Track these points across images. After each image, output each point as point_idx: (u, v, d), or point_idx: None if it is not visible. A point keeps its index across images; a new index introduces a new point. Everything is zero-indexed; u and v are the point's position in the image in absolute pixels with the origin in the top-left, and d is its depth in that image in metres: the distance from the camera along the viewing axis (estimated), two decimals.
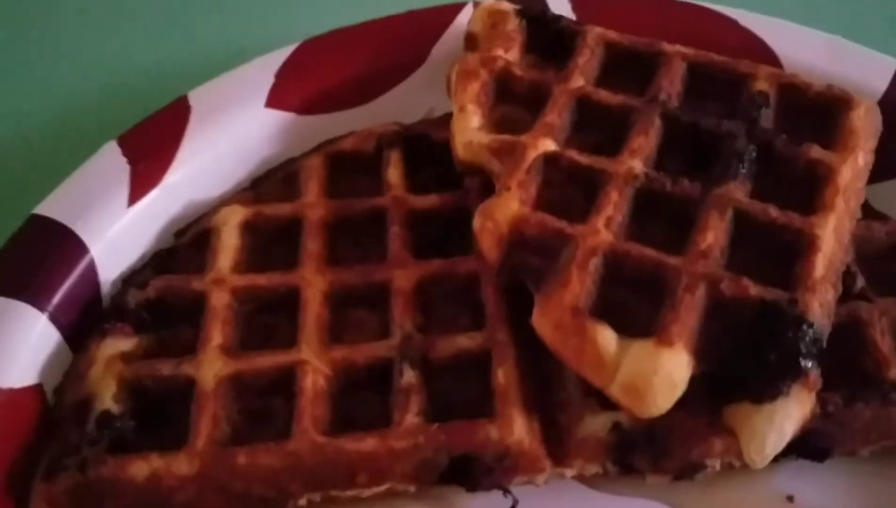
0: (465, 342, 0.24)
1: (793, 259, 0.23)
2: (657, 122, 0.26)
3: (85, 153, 0.29)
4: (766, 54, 0.29)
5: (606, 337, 0.22)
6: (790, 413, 0.21)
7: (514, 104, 0.27)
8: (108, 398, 0.23)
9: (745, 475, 0.23)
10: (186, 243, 0.28)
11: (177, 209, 0.28)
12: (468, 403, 0.23)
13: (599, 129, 0.26)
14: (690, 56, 0.27)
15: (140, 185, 0.28)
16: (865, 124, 0.25)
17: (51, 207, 0.27)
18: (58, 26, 0.38)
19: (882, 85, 0.28)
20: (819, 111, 0.26)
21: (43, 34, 0.37)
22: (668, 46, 0.28)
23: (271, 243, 0.27)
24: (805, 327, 0.21)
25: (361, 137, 0.30)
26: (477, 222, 0.24)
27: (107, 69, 0.36)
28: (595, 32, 0.28)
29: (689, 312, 0.22)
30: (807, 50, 0.29)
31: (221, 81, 0.30)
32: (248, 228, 0.27)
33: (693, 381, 0.22)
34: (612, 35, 0.28)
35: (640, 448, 0.23)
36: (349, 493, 0.23)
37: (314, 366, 0.24)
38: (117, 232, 0.27)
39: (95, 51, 0.37)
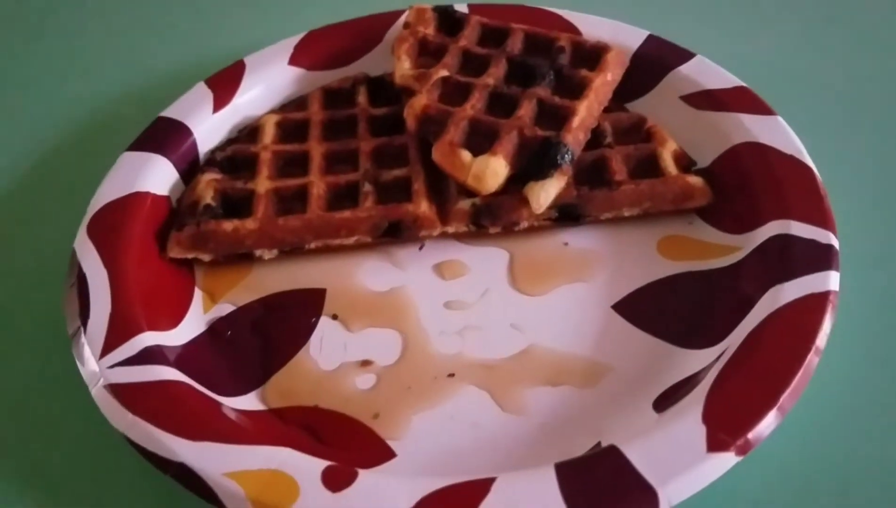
0: (398, 172, 0.44)
1: (563, 120, 0.43)
2: (504, 61, 0.46)
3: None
4: (575, 31, 0.50)
5: (466, 155, 0.41)
6: (553, 184, 0.40)
7: (428, 56, 0.47)
8: (208, 198, 0.43)
9: (541, 231, 0.43)
10: (245, 134, 0.48)
11: (239, 118, 0.48)
12: (398, 198, 0.43)
13: (473, 66, 0.47)
14: (527, 30, 0.48)
15: (219, 103, 0.48)
16: (614, 59, 0.46)
17: (170, 112, 0.47)
18: (136, 24, 0.60)
19: (636, 44, 0.49)
20: (592, 55, 0.46)
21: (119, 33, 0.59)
22: (514, 25, 0.48)
23: (292, 133, 0.47)
24: (562, 146, 0.41)
25: (343, 79, 0.50)
26: (405, 111, 0.44)
27: (189, 56, 0.58)
28: (475, 18, 0.49)
29: (508, 142, 0.42)
30: (599, 28, 0.50)
31: (263, 50, 0.51)
32: (279, 124, 0.47)
33: (510, 179, 0.42)
34: (485, 20, 0.49)
35: (485, 214, 0.42)
36: (336, 241, 0.42)
37: (317, 184, 0.44)
38: (207, 126, 0.47)
39: (166, 44, 0.58)
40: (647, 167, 0.44)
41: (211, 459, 0.32)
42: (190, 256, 0.42)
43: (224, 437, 0.33)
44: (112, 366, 0.36)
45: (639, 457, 0.32)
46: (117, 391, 0.35)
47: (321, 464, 0.33)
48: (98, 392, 0.35)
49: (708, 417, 0.33)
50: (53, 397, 0.39)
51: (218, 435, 0.33)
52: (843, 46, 0.54)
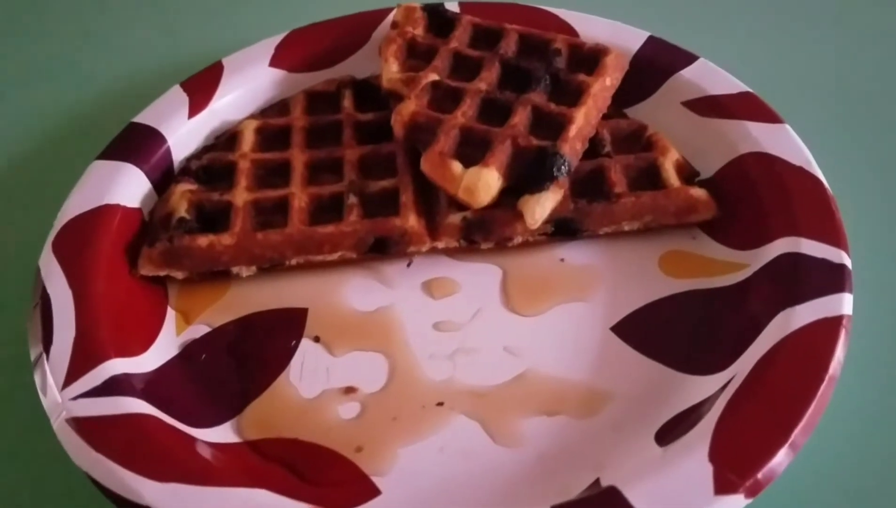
0: (385, 183, 0.42)
1: (560, 129, 0.41)
2: (497, 64, 0.44)
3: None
4: (572, 32, 0.48)
5: (456, 166, 0.39)
6: (549, 197, 0.38)
7: (417, 58, 0.45)
8: (182, 211, 0.40)
9: (536, 246, 0.41)
10: (223, 141, 0.45)
11: (217, 124, 0.46)
12: (385, 211, 0.40)
13: (464, 69, 0.44)
14: (521, 30, 0.45)
15: (195, 108, 0.45)
16: (613, 63, 0.43)
17: (143, 117, 0.44)
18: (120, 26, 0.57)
19: (636, 46, 0.46)
20: (590, 58, 0.44)
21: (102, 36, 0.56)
22: (508, 25, 0.46)
23: (272, 140, 0.44)
24: (558, 157, 0.39)
25: (327, 82, 0.47)
26: (393, 117, 0.42)
27: (165, 57, 0.55)
28: (466, 18, 0.46)
29: (501, 152, 0.39)
30: (597, 28, 0.48)
31: (243, 51, 0.48)
32: (259, 131, 0.45)
33: (503, 191, 0.40)
34: (477, 20, 0.47)
35: (477, 229, 0.40)
36: (319, 258, 0.40)
37: (299, 196, 0.41)
38: (183, 132, 0.44)
39: (139, 45, 0.56)
40: (648, 178, 0.41)
41: (181, 503, 0.30)
42: (162, 273, 0.39)
43: (195, 478, 0.31)
44: (75, 397, 0.33)
45: (641, 500, 0.29)
46: (80, 425, 0.32)
47: None
48: (60, 426, 0.32)
49: (715, 455, 0.30)
50: (17, 428, 0.36)
51: (189, 476, 0.31)
52: (855, 50, 0.52)
